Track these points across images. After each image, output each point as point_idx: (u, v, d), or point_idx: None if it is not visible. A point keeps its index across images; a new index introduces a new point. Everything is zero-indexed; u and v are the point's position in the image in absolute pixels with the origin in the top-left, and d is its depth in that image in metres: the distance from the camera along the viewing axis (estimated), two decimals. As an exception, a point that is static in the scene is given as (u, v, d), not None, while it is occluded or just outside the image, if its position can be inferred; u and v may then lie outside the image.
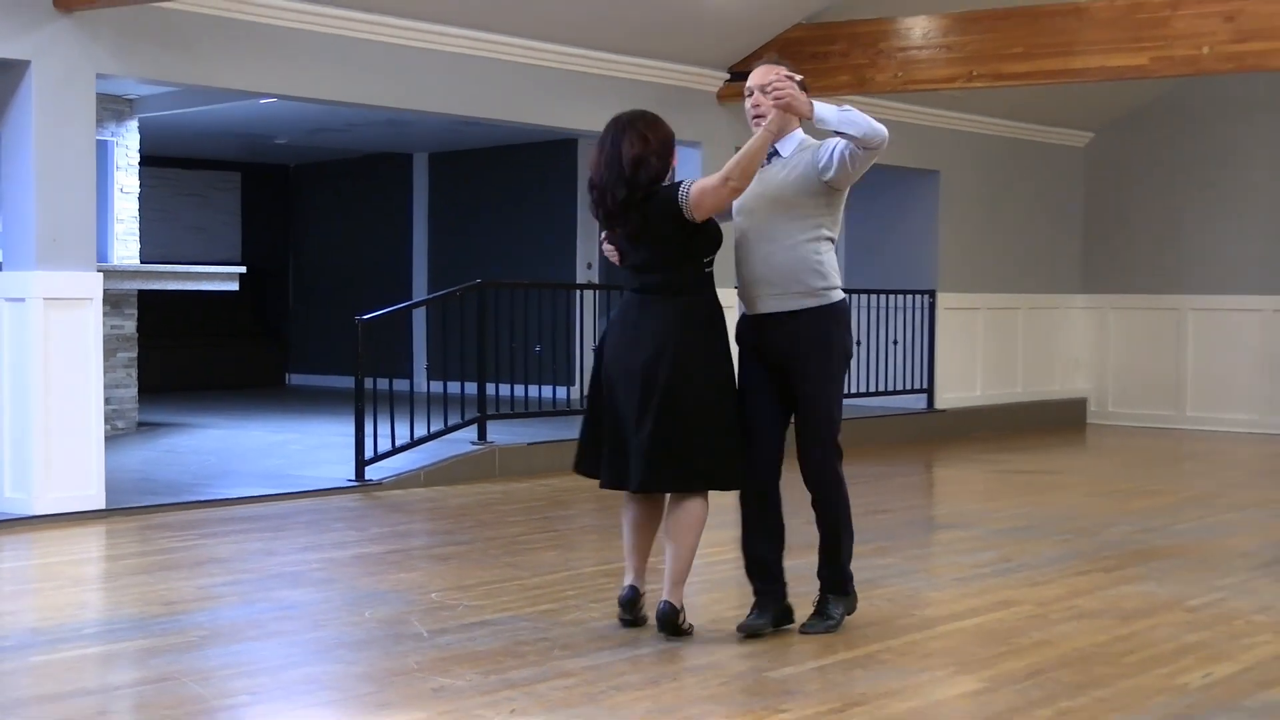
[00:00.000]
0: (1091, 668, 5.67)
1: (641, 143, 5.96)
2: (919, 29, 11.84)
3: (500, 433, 11.52)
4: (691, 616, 6.04)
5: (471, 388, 11.35)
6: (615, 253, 6.21)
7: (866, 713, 5.03)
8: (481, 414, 11.34)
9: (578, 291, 14.70)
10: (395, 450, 10.66)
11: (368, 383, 10.39)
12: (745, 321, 6.21)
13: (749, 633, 5.94)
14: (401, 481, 10.46)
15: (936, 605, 6.87)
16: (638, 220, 5.97)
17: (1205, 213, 15.79)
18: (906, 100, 13.90)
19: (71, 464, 8.90)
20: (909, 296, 14.85)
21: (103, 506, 9.01)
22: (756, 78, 6.03)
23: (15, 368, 8.82)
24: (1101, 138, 16.46)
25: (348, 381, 10.99)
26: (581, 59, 11.76)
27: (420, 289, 17.40)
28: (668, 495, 6.07)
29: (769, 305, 6.03)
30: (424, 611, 6.53)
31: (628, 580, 6.09)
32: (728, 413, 5.99)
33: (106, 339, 11.99)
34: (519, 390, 12.05)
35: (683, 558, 5.98)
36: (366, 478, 10.37)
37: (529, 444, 11.47)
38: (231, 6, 9.46)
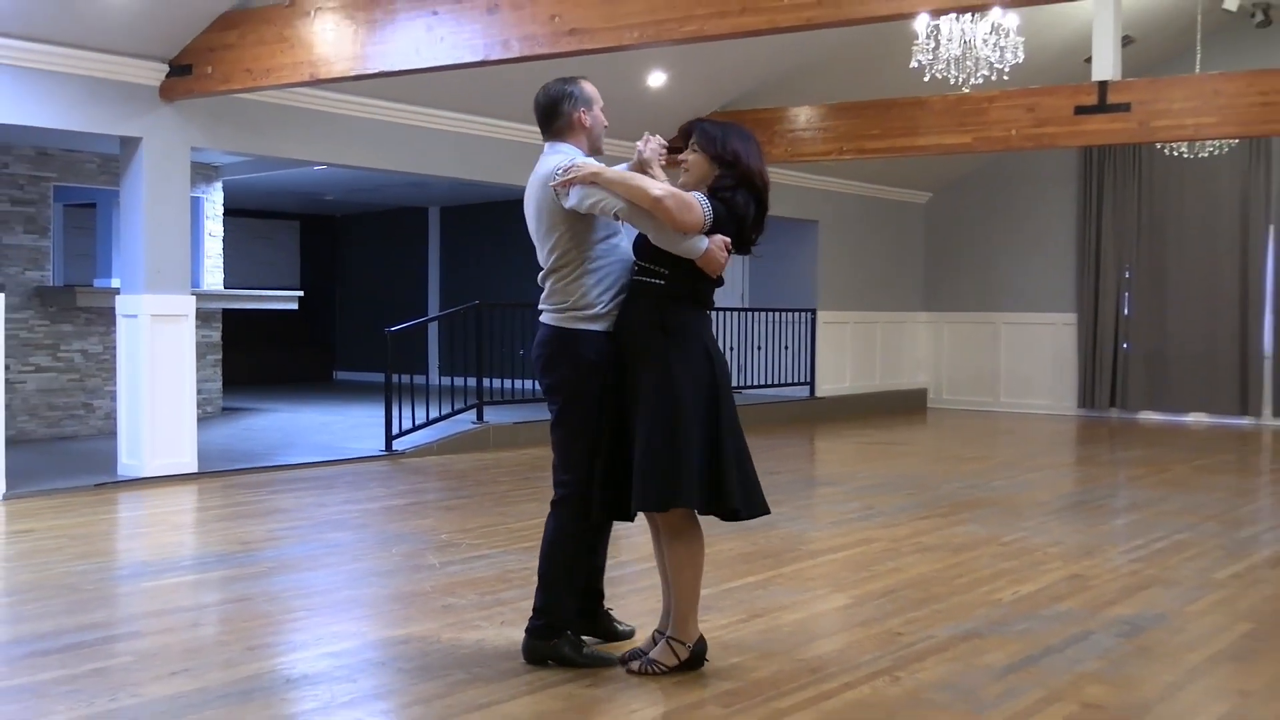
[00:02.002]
0: (930, 588, 5.70)
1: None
2: (803, 116, 11.88)
3: (494, 415, 11.50)
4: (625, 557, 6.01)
5: (472, 381, 11.35)
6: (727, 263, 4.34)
7: (765, 622, 5.05)
8: (480, 401, 11.33)
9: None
10: (415, 428, 10.62)
11: (395, 378, 10.37)
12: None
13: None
14: (419, 451, 10.43)
15: (817, 542, 6.89)
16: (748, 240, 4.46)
17: (1013, 252, 15.91)
18: (794, 168, 13.96)
19: (172, 438, 8.86)
20: (797, 313, 14.91)
21: (195, 470, 8.96)
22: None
23: (130, 367, 8.80)
24: (937, 196, 16.56)
25: (379, 377, 10.93)
26: (554, 137, 11.74)
27: (434, 308, 17.38)
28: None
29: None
30: (436, 548, 6.52)
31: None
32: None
33: (198, 345, 11.92)
34: (508, 383, 12.08)
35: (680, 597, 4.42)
36: (394, 449, 10.33)
37: (515, 423, 11.45)
38: (291, 98, 9.43)
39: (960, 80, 8.94)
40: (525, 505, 8.00)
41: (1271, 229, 14.37)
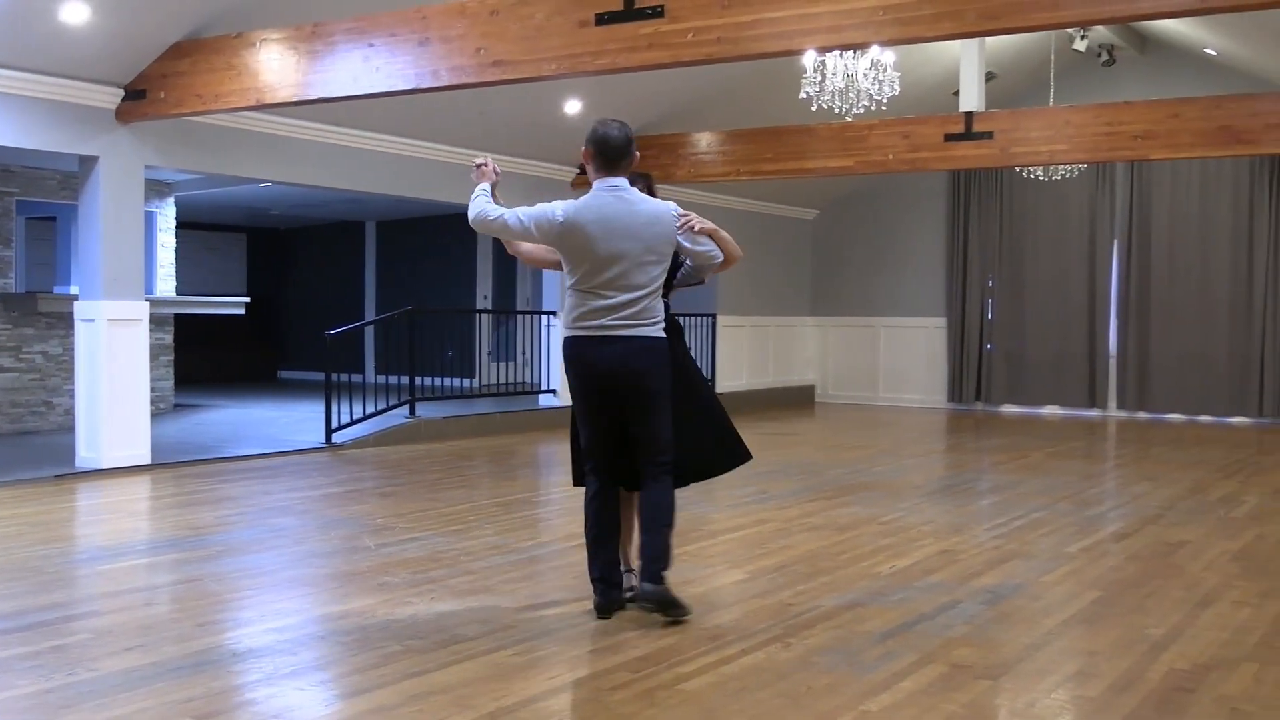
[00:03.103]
0: (818, 562, 5.74)
1: None
2: (705, 141, 11.92)
3: (425, 410, 11.40)
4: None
5: (405, 379, 11.24)
6: None
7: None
8: (412, 397, 11.22)
9: (476, 315, 14.64)
10: (353, 422, 10.50)
11: (334, 376, 10.24)
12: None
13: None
14: (357, 444, 10.31)
15: (716, 523, 6.91)
16: None
17: (890, 263, 16.08)
18: (697, 187, 14.00)
19: (127, 432, 8.67)
20: (700, 318, 14.95)
21: (149, 462, 8.77)
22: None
23: (88, 367, 8.60)
24: (824, 214, 16.69)
25: (320, 376, 10.77)
26: (481, 157, 11.66)
27: (370, 313, 17.20)
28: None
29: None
30: (372, 531, 6.45)
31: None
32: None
33: (151, 347, 11.75)
34: (438, 381, 12.00)
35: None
36: (333, 441, 10.20)
37: (444, 418, 11.36)
38: (238, 121, 9.28)
39: (844, 110, 9.02)
40: (454, 492, 7.95)
41: (1116, 243, 14.68)
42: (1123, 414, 14.63)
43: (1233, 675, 4.00)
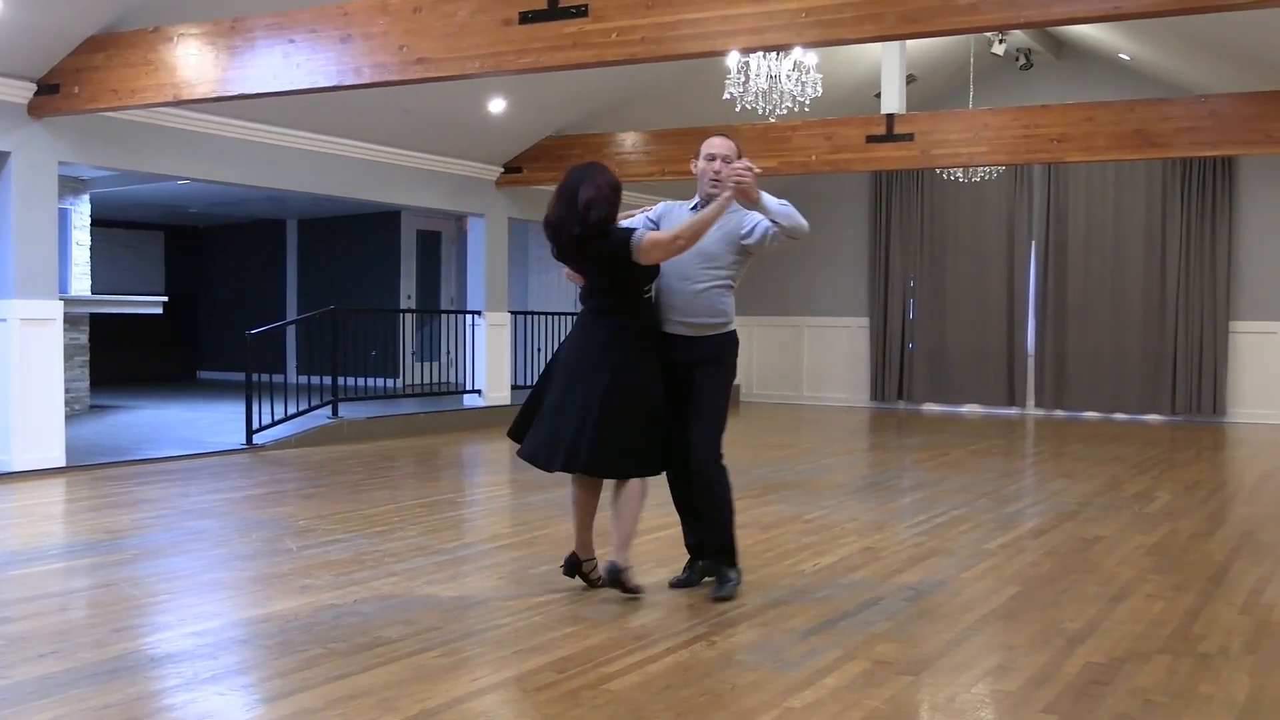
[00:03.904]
0: (742, 561, 5.76)
1: (594, 189, 4.88)
2: (629, 140, 11.93)
3: (348, 410, 11.30)
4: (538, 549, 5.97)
5: (328, 379, 11.12)
6: (578, 277, 5.07)
7: (596, 594, 5.05)
8: (335, 398, 11.11)
9: (400, 315, 14.54)
10: (274, 423, 10.37)
11: (254, 377, 10.10)
12: (661, 338, 5.07)
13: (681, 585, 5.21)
14: (278, 445, 10.18)
15: (642, 522, 6.87)
16: (592, 254, 4.92)
17: (813, 264, 16.18)
18: (626, 186, 14.01)
19: (40, 434, 8.49)
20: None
21: (63, 464, 8.60)
22: (720, 147, 5.17)
23: (0, 368, 8.41)
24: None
25: (241, 376, 10.63)
26: (404, 155, 11.61)
27: (292, 312, 16.98)
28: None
29: (677, 329, 5.04)
30: (294, 533, 6.37)
31: (573, 550, 5.15)
32: (655, 410, 4.93)
33: (66, 347, 11.46)
34: (361, 381, 11.90)
35: (626, 527, 4.96)
36: (254, 442, 10.06)
37: (368, 418, 11.27)
38: (156, 117, 9.13)
39: (767, 111, 9.08)
40: (377, 493, 7.88)
41: (1034, 244, 14.93)
42: (1040, 412, 14.88)
43: (1146, 667, 4.09)
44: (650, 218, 5.21)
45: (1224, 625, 4.67)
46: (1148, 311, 14.30)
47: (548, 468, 4.95)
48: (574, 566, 5.12)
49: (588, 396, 4.85)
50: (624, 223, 5.02)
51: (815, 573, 5.52)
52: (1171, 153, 10.23)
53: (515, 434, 5.19)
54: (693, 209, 5.15)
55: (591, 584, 5.10)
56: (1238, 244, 14.00)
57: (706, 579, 5.18)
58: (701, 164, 5.11)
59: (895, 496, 8.27)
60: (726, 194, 4.91)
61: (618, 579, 4.92)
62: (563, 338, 15.26)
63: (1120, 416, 14.44)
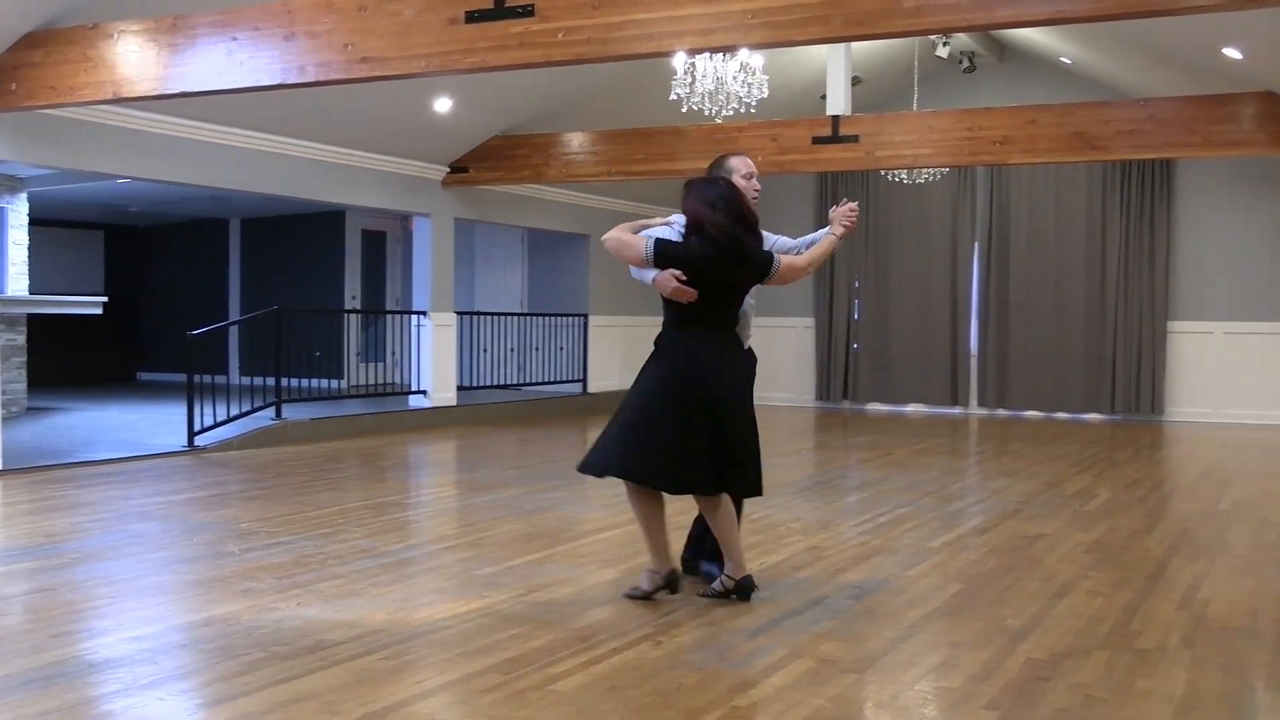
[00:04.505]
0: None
1: (751, 208, 4.91)
2: (576, 141, 11.92)
3: (291, 412, 11.19)
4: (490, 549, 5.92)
5: (271, 380, 11.02)
6: (689, 293, 4.79)
7: (542, 595, 5.04)
8: (278, 399, 11.00)
9: (345, 315, 14.43)
10: (216, 425, 10.24)
11: (196, 377, 9.99)
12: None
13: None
14: (221, 446, 10.05)
15: (589, 522, 6.92)
16: (743, 272, 4.88)
17: (761, 264, 16.24)
18: (568, 187, 14.02)
19: (-24, 437, 8.35)
20: (572, 318, 14.97)
21: (1, 468, 8.45)
22: (752, 166, 5.18)
23: (-67, 369, 8.25)
24: (695, 214, 16.79)
25: (182, 377, 10.49)
26: (348, 154, 11.53)
27: (235, 313, 16.79)
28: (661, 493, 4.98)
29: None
30: (236, 536, 6.30)
31: (671, 568, 5.01)
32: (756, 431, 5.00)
33: (3, 348, 11.33)
34: (305, 382, 11.80)
35: (734, 539, 4.93)
36: (196, 444, 9.94)
37: (312, 419, 11.17)
38: (95, 114, 9.01)
39: (713, 112, 9.11)
40: (321, 495, 7.81)
41: (977, 245, 15.08)
42: (983, 411, 15.04)
43: (1086, 663, 4.14)
44: (679, 229, 4.95)
45: (1162, 621, 4.74)
46: (1088, 312, 14.49)
47: (706, 491, 4.85)
48: (675, 579, 5.00)
49: (740, 420, 4.87)
50: (645, 233, 4.94)
51: (761, 572, 5.53)
52: (1111, 155, 10.37)
53: (647, 471, 4.85)
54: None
55: (673, 590, 4.99)
56: (1176, 245, 14.22)
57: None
58: (741, 183, 5.06)
59: (840, 496, 8.31)
60: (840, 232, 5.11)
61: (747, 588, 4.91)
62: (509, 335, 15.19)
63: (1062, 415, 14.62)
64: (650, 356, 5.03)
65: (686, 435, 4.75)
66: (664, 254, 4.81)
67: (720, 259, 4.78)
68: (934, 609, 4.90)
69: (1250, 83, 9.72)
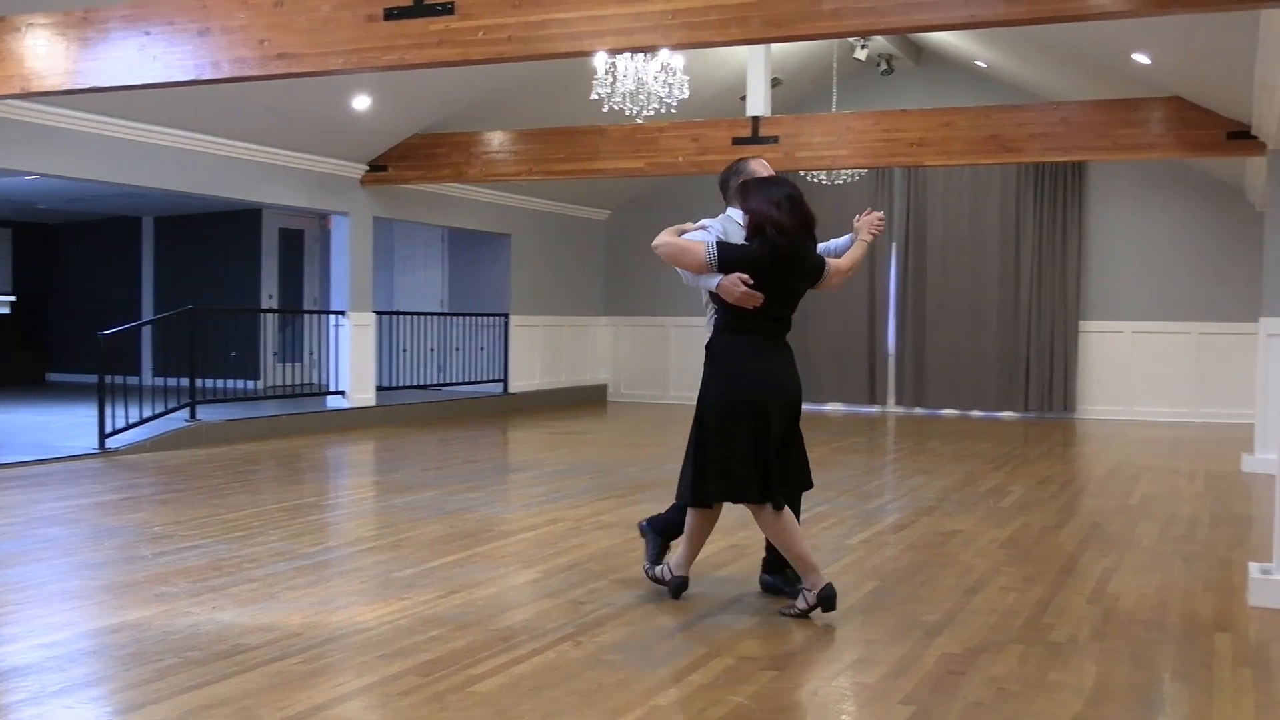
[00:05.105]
0: (610, 560, 5.79)
1: (812, 211, 4.83)
2: (497, 139, 11.87)
3: (206, 413, 11.01)
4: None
5: (185, 381, 10.82)
6: (756, 298, 4.68)
7: (462, 597, 5.02)
8: (192, 400, 10.81)
9: (261, 315, 14.24)
10: (129, 426, 10.05)
11: (108, 378, 9.79)
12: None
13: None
14: (133, 449, 9.86)
15: (509, 523, 6.90)
16: (798, 275, 4.80)
17: (682, 264, 16.30)
18: (489, 186, 13.96)
19: (-123, 440, 8.10)
20: (493, 318, 14.90)
21: (-98, 471, 8.23)
22: (768, 169, 5.12)
23: None
24: (616, 214, 16.83)
25: (93, 378, 10.28)
26: (265, 152, 11.38)
27: (148, 312, 16.48)
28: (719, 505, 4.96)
29: None
30: (149, 540, 6.19)
31: (684, 575, 4.99)
32: None
33: (-95, 348, 11.01)
34: (220, 383, 11.62)
35: (800, 548, 4.74)
36: (107, 446, 9.74)
37: (228, 420, 11.00)
38: (3, 109, 8.78)
39: (634, 112, 9.12)
40: (237, 497, 7.70)
41: (894, 246, 15.26)
42: (901, 410, 15.22)
43: (1000, 657, 4.21)
44: (718, 232, 4.90)
45: (1073, 614, 4.84)
46: (1003, 311, 14.73)
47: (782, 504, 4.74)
48: (683, 586, 4.98)
49: (790, 424, 4.81)
50: (690, 236, 4.84)
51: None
52: (1025, 157, 10.55)
53: (742, 495, 4.76)
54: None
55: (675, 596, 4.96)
56: (1087, 247, 14.51)
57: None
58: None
59: (761, 494, 8.35)
60: (869, 239, 5.18)
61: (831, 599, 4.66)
62: (429, 335, 15.07)
63: (977, 413, 14.85)
64: (706, 363, 4.85)
65: (743, 446, 4.66)
66: (726, 257, 4.65)
67: (782, 262, 4.67)
68: (851, 605, 4.94)
69: (1158, 88, 9.95)
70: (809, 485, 4.98)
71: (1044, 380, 14.51)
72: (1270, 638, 4.53)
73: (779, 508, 4.72)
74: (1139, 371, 14.27)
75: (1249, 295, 12.64)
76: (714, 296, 4.76)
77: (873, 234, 5.16)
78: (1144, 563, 5.92)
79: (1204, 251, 14.00)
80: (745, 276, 4.60)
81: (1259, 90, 8.28)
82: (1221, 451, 10.74)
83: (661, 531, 5.27)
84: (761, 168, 5.03)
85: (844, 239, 5.26)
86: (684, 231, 4.89)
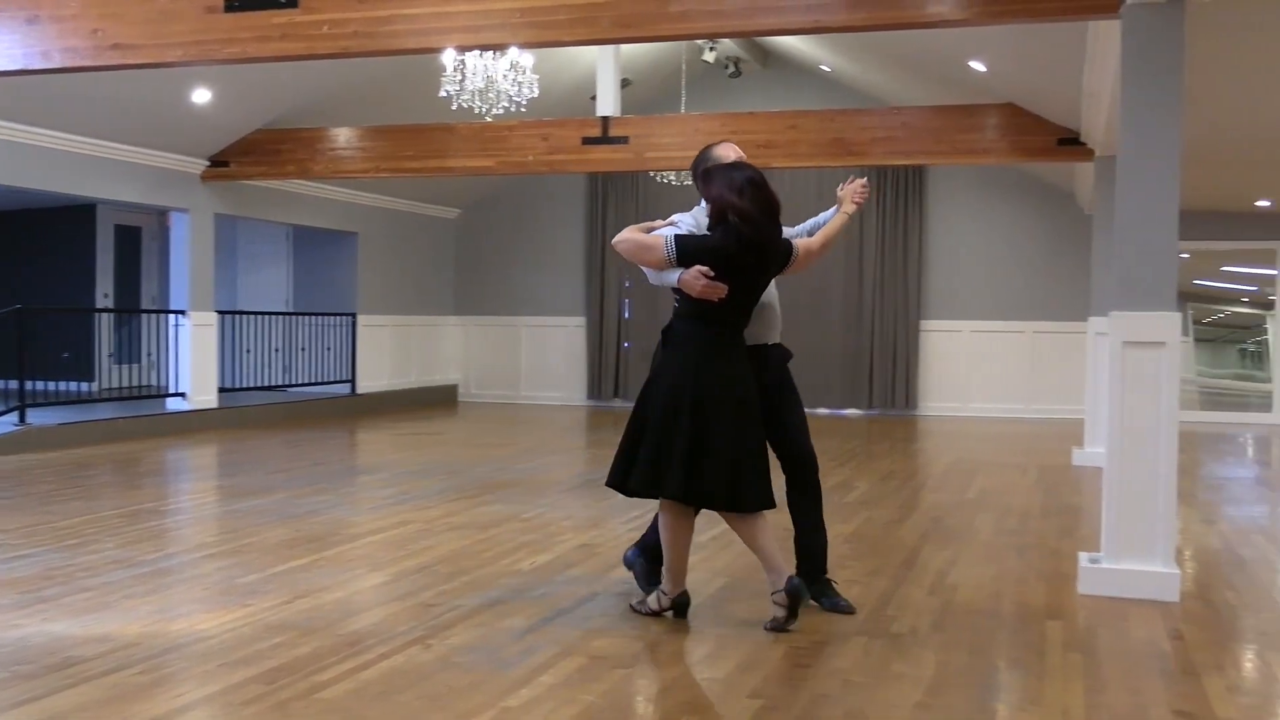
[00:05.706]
0: (460, 561, 5.75)
1: (775, 195, 4.61)
2: (343, 136, 11.68)
3: (37, 416, 10.58)
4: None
5: (14, 384, 10.39)
6: (718, 290, 4.45)
7: (309, 601, 4.92)
8: (22, 403, 10.38)
9: (96, 314, 13.74)
10: (-47, 431, 9.63)
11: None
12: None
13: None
14: (-42, 454, 9.45)
15: (357, 526, 6.79)
16: (763, 262, 4.57)
17: (531, 263, 16.28)
18: (336, 184, 13.72)
19: None
20: (340, 317, 14.65)
21: None
22: (738, 151, 4.88)
23: None
24: (466, 213, 16.70)
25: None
26: (99, 145, 10.97)
27: (-27, 311, 15.76)
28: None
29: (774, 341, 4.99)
30: (-24, 549, 5.93)
31: (681, 590, 4.70)
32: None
33: None
34: (52, 385, 11.18)
35: (774, 550, 4.58)
36: (-71, 452, 9.32)
37: (60, 424, 10.59)
38: None
39: (484, 110, 9.07)
40: (71, 503, 7.42)
41: (742, 246, 15.45)
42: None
43: (844, 649, 4.31)
44: (689, 226, 4.72)
45: (914, 606, 4.97)
46: (847, 311, 15.07)
47: (739, 508, 4.53)
48: (687, 603, 4.73)
49: (754, 428, 4.54)
50: (656, 233, 4.64)
51: (533, 571, 5.55)
52: (868, 160, 10.81)
53: (639, 487, 4.59)
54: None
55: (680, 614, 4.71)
56: (927, 248, 14.94)
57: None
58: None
59: (611, 493, 8.32)
60: (852, 210, 4.97)
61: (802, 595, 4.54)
62: (273, 335, 14.74)
63: (822, 411, 15.14)
64: (663, 345, 4.67)
65: (681, 440, 4.45)
66: (686, 250, 4.47)
67: (746, 249, 4.46)
68: (700, 602, 5.00)
69: (994, 94, 10.30)
70: (768, 504, 4.60)
71: (887, 378, 14.89)
72: (1098, 624, 4.73)
73: (691, 505, 4.58)
74: (976, 369, 14.75)
75: (1079, 295, 13.17)
76: (677, 291, 4.58)
77: (856, 203, 4.94)
78: (981, 554, 6.12)
79: (1038, 253, 14.54)
80: (706, 269, 4.42)
81: (1087, 99, 8.63)
82: (1054, 446, 11.17)
83: (646, 553, 5.03)
84: (729, 152, 4.80)
85: (828, 213, 5.06)
86: (652, 229, 4.71)
